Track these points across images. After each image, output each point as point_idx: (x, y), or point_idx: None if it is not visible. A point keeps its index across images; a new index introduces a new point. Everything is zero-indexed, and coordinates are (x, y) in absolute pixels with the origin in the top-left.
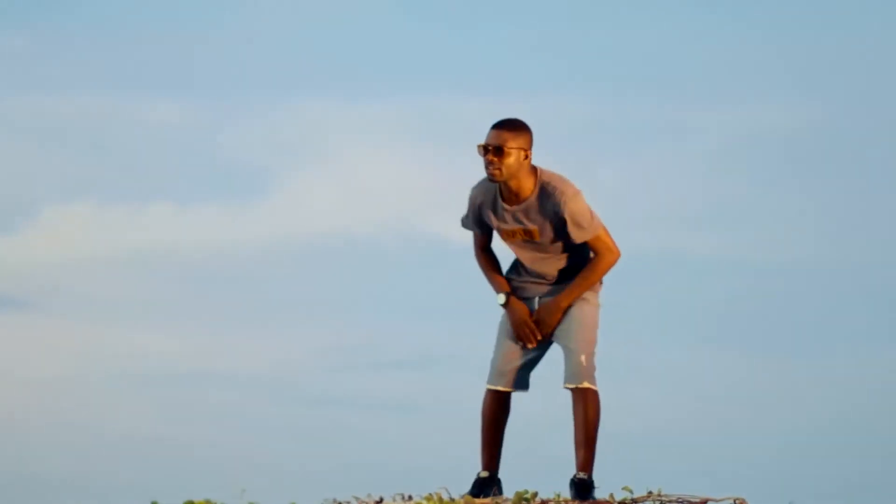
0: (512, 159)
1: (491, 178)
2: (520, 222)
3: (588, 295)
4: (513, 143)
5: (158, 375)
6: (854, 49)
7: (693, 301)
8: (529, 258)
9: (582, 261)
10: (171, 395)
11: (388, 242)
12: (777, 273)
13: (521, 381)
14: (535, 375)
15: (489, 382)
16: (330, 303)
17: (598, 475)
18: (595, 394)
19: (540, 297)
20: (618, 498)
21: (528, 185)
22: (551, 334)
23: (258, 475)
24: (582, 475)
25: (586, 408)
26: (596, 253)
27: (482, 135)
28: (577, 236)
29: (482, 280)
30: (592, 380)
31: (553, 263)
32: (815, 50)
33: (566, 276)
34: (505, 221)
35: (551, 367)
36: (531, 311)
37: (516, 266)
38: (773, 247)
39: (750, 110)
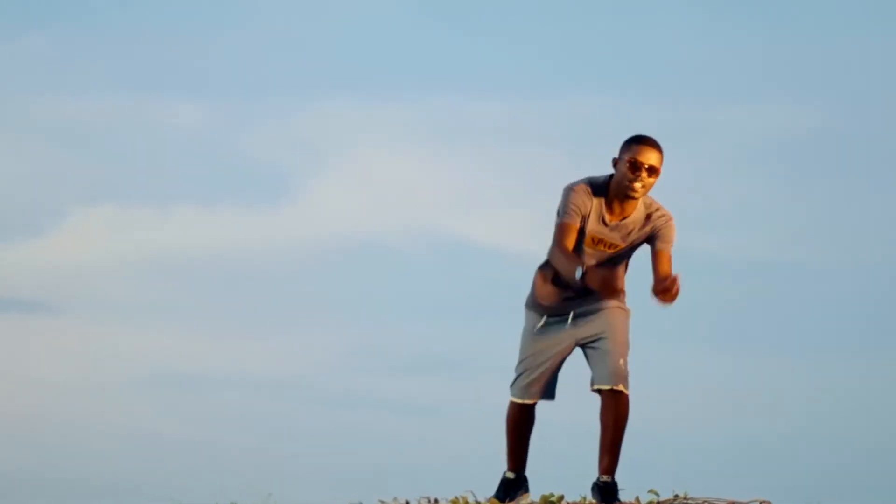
0: (654, 180)
1: (631, 193)
2: (610, 235)
3: (618, 301)
4: (660, 166)
5: (181, 378)
6: (874, 50)
7: (716, 302)
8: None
9: (619, 277)
10: (194, 397)
11: (407, 244)
12: (793, 273)
13: (549, 392)
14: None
15: (515, 396)
16: (350, 305)
17: (623, 478)
18: (627, 399)
19: (574, 312)
20: (643, 501)
21: (636, 205)
22: (587, 341)
23: (282, 478)
24: (606, 478)
25: (617, 411)
26: (668, 272)
27: (500, 137)
28: (663, 246)
29: (502, 282)
30: (627, 384)
31: (608, 277)
32: (833, 51)
33: (601, 296)
34: (599, 230)
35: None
36: (566, 322)
37: (558, 281)
38: (788, 247)
39: (765, 111)
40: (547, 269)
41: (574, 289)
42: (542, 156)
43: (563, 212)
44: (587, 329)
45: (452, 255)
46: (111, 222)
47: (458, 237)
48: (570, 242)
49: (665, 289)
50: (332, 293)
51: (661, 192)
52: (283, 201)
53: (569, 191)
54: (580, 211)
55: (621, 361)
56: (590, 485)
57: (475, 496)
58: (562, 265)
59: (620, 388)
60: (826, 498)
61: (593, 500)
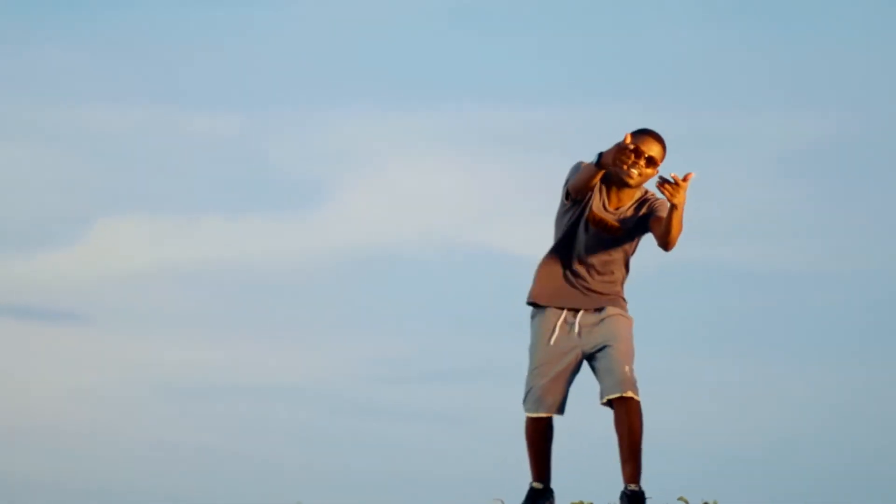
0: (652, 172)
1: (626, 180)
2: (610, 218)
3: (621, 310)
4: (661, 160)
5: (208, 387)
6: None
7: (747, 312)
8: (588, 260)
9: (617, 282)
10: (221, 406)
11: (432, 253)
12: (827, 282)
13: (561, 406)
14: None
15: (530, 410)
16: (374, 313)
17: (650, 486)
18: (639, 404)
19: (583, 312)
20: None
21: (632, 195)
22: (592, 352)
23: (308, 487)
24: (633, 487)
25: (632, 418)
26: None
27: (524, 146)
28: (660, 212)
29: (525, 291)
30: (637, 390)
31: (601, 272)
32: (868, 60)
33: (603, 290)
34: (601, 209)
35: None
36: (572, 330)
37: (558, 272)
38: (822, 257)
39: (797, 120)
40: (549, 260)
41: (575, 277)
42: (567, 165)
43: (576, 172)
44: (592, 339)
45: (477, 264)
46: (139, 232)
47: (483, 246)
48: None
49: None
50: (357, 302)
51: (702, 201)
52: (309, 211)
53: (579, 163)
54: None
55: (627, 368)
56: (618, 494)
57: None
58: (585, 172)
59: (630, 394)
60: (854, 501)
61: None
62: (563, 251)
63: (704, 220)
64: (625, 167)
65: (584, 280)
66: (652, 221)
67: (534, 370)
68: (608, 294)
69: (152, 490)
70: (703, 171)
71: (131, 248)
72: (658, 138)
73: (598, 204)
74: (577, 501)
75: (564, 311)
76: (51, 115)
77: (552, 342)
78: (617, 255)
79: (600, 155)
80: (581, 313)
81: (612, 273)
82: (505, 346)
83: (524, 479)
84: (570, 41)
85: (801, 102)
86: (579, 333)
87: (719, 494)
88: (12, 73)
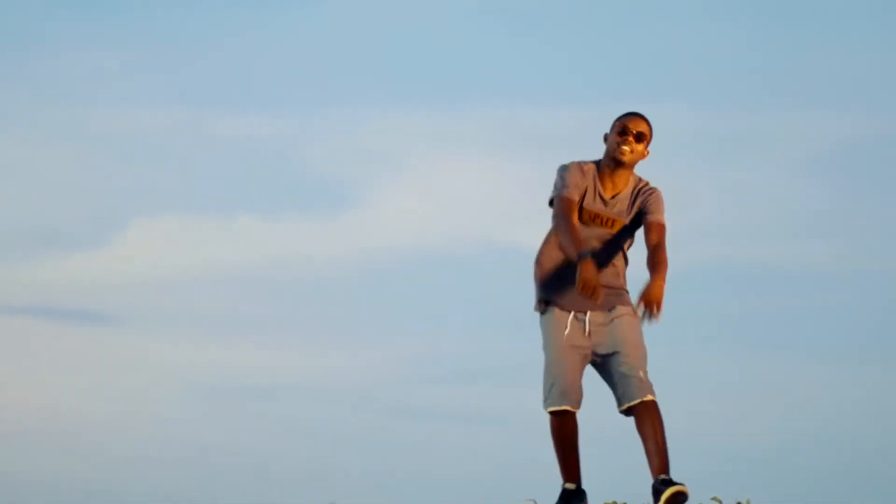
0: (642, 149)
1: (619, 157)
2: (607, 210)
3: (629, 308)
4: (650, 137)
5: (240, 388)
6: None
7: (788, 312)
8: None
9: (619, 274)
10: (254, 407)
11: (469, 253)
12: (868, 282)
13: (581, 400)
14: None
15: (555, 404)
16: (410, 314)
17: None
18: (657, 404)
19: (592, 313)
20: None
21: (627, 178)
22: (602, 357)
23: (341, 487)
24: (665, 476)
25: (654, 420)
26: (660, 239)
27: (563, 145)
28: (652, 218)
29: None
30: (653, 391)
31: (608, 269)
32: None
33: (608, 284)
34: (596, 205)
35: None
36: (583, 329)
37: (563, 276)
38: (861, 256)
39: (833, 119)
40: (550, 260)
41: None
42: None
43: (561, 185)
44: (602, 340)
45: (510, 263)
46: (174, 233)
47: (516, 245)
48: (574, 216)
49: (650, 302)
50: (390, 302)
51: (738, 203)
52: (343, 211)
53: (563, 168)
54: (578, 186)
55: (641, 373)
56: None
57: None
58: (566, 239)
59: (649, 398)
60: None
61: None
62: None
63: (735, 221)
64: (616, 146)
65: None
66: (644, 227)
67: (554, 365)
68: (614, 287)
69: (184, 490)
70: (726, 171)
71: (165, 250)
72: (642, 116)
73: (593, 201)
74: (609, 502)
75: (574, 310)
76: (85, 119)
77: (567, 337)
78: (616, 247)
79: (580, 256)
80: (590, 312)
81: (614, 265)
82: (539, 345)
83: (557, 479)
84: (608, 40)
85: (828, 103)
86: (589, 333)
87: (752, 494)
88: (47, 76)
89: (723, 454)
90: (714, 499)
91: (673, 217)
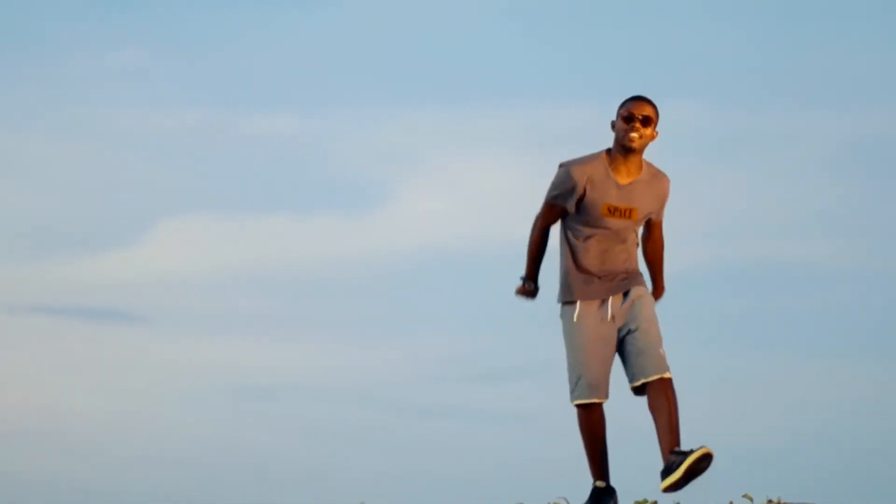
0: (651, 132)
1: (629, 144)
2: (625, 200)
3: (644, 288)
4: (656, 119)
5: (270, 388)
6: None
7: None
8: (605, 248)
9: (632, 258)
10: (284, 407)
11: (498, 252)
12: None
13: (608, 391)
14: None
15: (584, 397)
16: (440, 313)
17: (713, 483)
18: (672, 382)
19: (612, 297)
20: None
21: (640, 164)
22: (621, 336)
23: (372, 487)
24: (678, 448)
25: (669, 396)
26: (659, 236)
27: (591, 144)
28: (658, 216)
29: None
30: (669, 369)
31: (621, 256)
32: None
33: (625, 270)
34: (612, 196)
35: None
36: (605, 317)
37: (580, 267)
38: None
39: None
40: (571, 257)
41: (602, 265)
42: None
43: (551, 189)
44: (622, 321)
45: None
46: (202, 232)
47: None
48: (545, 234)
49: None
50: (420, 301)
51: (759, 199)
52: (375, 210)
53: (561, 169)
54: (570, 182)
55: (661, 350)
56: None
57: (567, 502)
58: (530, 247)
59: (667, 374)
60: None
61: None
62: (584, 244)
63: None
64: (624, 134)
65: (609, 267)
66: (646, 226)
67: (580, 358)
68: (630, 271)
69: (213, 490)
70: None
71: (193, 249)
72: (646, 99)
73: (609, 190)
74: (640, 501)
75: (596, 300)
76: (112, 118)
77: (591, 328)
78: (631, 233)
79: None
80: (611, 299)
81: (628, 251)
82: (562, 340)
83: (587, 477)
84: (634, 39)
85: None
86: (612, 318)
87: (783, 491)
88: (73, 75)
89: (724, 454)
90: (745, 496)
91: (674, 217)
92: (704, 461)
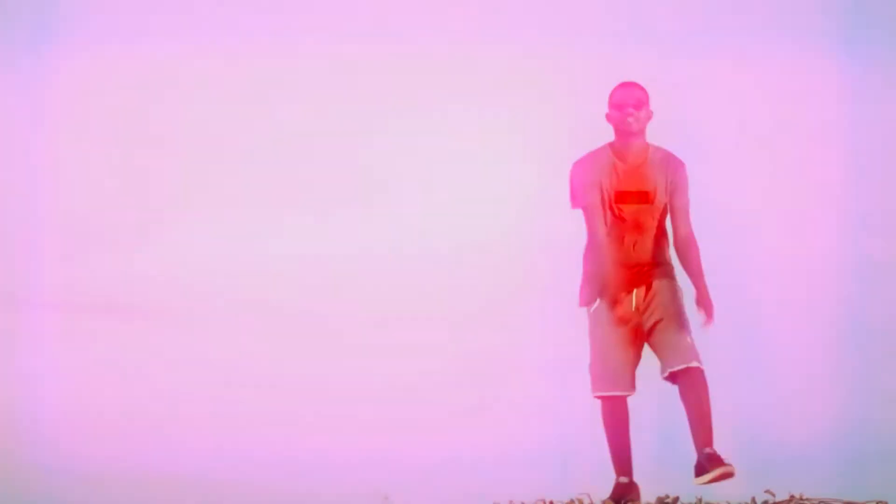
0: (645, 113)
1: (627, 129)
2: (635, 183)
3: (669, 279)
4: (646, 100)
5: (288, 383)
6: None
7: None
8: (624, 238)
9: (655, 245)
10: (303, 401)
11: (523, 246)
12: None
13: (633, 383)
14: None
15: (607, 389)
16: (468, 307)
17: (737, 479)
18: (703, 372)
19: (637, 290)
20: (759, 501)
21: (645, 147)
22: (649, 327)
23: (396, 481)
24: (709, 450)
25: (699, 386)
26: (686, 233)
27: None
28: (678, 204)
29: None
30: (700, 359)
31: (642, 245)
32: None
33: (654, 261)
34: (621, 183)
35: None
36: (628, 308)
37: (609, 261)
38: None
39: None
40: (595, 253)
41: (626, 257)
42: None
43: (581, 192)
44: (647, 312)
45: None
46: (222, 229)
47: (571, 235)
48: (604, 226)
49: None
50: (445, 297)
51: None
52: (396, 207)
53: (576, 172)
54: (589, 185)
55: (689, 339)
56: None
57: (591, 498)
58: (600, 263)
59: (695, 364)
60: None
61: (710, 502)
62: (606, 239)
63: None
64: (620, 121)
65: (631, 258)
66: (671, 210)
67: (604, 350)
68: (653, 261)
69: (235, 486)
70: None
71: (213, 246)
72: (631, 84)
73: (616, 179)
74: (662, 496)
75: (634, 292)
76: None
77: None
78: (649, 220)
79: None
80: (635, 290)
81: (649, 240)
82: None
83: (607, 473)
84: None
85: None
86: (637, 308)
87: (804, 487)
88: (96, 70)
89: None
90: (767, 491)
91: None
92: (725, 478)
